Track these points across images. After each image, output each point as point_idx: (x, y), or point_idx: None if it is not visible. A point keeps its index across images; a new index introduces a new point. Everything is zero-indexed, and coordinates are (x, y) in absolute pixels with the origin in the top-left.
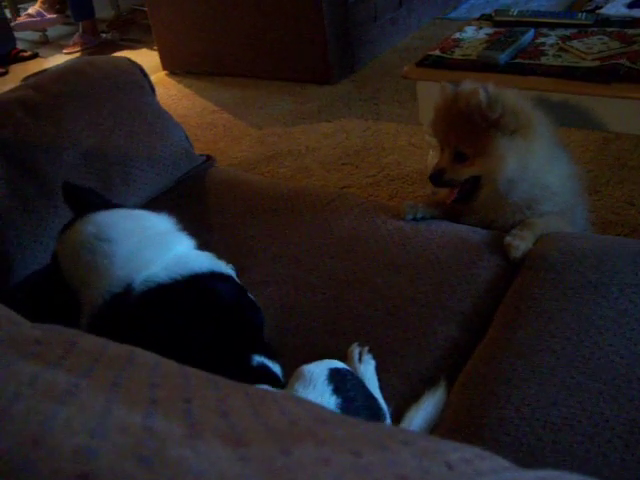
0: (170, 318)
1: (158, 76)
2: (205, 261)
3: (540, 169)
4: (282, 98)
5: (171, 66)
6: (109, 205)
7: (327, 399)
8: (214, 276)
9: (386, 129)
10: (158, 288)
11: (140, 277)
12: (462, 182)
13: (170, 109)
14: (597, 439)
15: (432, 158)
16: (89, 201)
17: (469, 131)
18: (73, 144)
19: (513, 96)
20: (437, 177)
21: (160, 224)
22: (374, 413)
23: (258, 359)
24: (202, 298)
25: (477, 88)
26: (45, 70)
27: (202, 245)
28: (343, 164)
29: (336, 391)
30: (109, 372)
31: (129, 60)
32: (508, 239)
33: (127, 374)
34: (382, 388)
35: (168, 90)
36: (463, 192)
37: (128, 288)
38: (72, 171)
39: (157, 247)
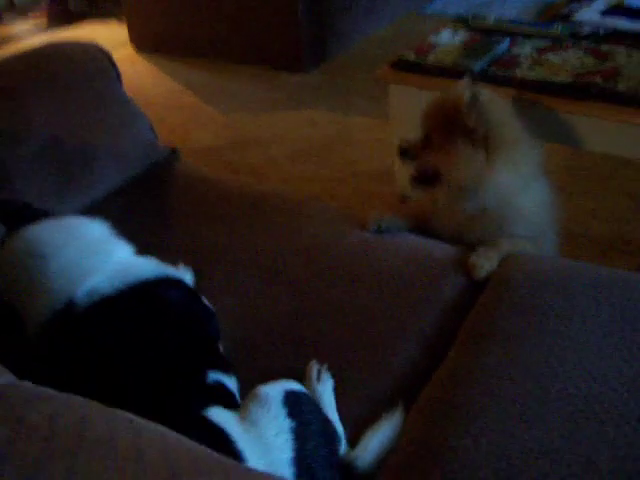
0: (118, 334)
1: (126, 51)
2: (150, 267)
3: (509, 190)
4: (251, 84)
5: (140, 42)
6: (43, 216)
7: (281, 422)
8: (163, 282)
9: (354, 123)
10: (103, 301)
11: (82, 290)
12: (422, 164)
13: (136, 88)
14: (552, 475)
15: (400, 162)
16: (23, 216)
17: (443, 124)
18: (34, 133)
19: (502, 112)
20: (403, 149)
21: (94, 231)
22: (329, 438)
23: (213, 376)
24: (151, 309)
25: (466, 90)
26: (9, 37)
27: (160, 246)
28: (309, 156)
29: (291, 415)
30: (61, 464)
31: (97, 46)
32: (473, 258)
33: (79, 466)
34: (339, 409)
35: (135, 67)
36: (422, 174)
37: (70, 303)
38: (31, 161)
39: (94, 256)
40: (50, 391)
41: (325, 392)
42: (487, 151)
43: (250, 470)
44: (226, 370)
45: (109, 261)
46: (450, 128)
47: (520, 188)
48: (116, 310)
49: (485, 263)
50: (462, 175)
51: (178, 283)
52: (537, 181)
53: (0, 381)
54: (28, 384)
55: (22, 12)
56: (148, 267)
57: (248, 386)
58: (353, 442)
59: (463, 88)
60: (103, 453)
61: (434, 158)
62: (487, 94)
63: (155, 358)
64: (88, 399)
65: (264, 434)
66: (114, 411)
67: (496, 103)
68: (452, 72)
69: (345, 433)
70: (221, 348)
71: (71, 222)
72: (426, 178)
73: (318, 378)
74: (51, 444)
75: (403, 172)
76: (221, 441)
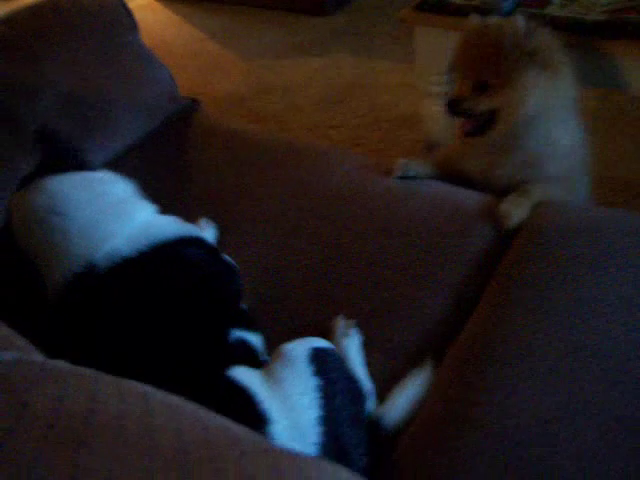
0: (139, 296)
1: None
2: (171, 227)
3: (557, 121)
4: (273, 29)
5: None
6: (77, 161)
7: (307, 380)
8: (183, 242)
9: (380, 67)
10: (123, 263)
11: (102, 252)
12: (478, 114)
13: (157, 36)
14: (585, 435)
15: (426, 106)
16: (58, 155)
17: (496, 59)
18: (50, 86)
19: (549, 32)
20: (454, 105)
21: (117, 190)
22: (355, 396)
23: (236, 334)
24: (171, 269)
25: (516, 17)
26: None
27: (182, 198)
28: (333, 102)
29: (317, 373)
30: (64, 455)
31: None
32: (503, 206)
33: (83, 457)
34: (367, 364)
35: (156, 15)
36: (477, 125)
37: (90, 266)
38: (49, 115)
39: (116, 218)
40: (61, 367)
41: (352, 348)
42: (550, 73)
43: (268, 450)
44: (249, 327)
45: (131, 223)
46: (505, 60)
47: (559, 120)
48: (136, 271)
49: (516, 211)
50: (533, 103)
51: (199, 242)
52: (573, 116)
53: (7, 357)
54: (38, 359)
55: None
56: (168, 227)
57: (273, 342)
58: (382, 397)
59: (505, 20)
60: (111, 441)
61: (493, 100)
62: (527, 18)
63: (176, 318)
64: (100, 373)
65: (289, 393)
66: (127, 387)
67: (540, 26)
68: (480, 11)
69: (374, 388)
70: (244, 306)
71: (94, 178)
72: (480, 126)
73: (345, 333)
74: (55, 432)
75: (431, 117)
76: (245, 401)
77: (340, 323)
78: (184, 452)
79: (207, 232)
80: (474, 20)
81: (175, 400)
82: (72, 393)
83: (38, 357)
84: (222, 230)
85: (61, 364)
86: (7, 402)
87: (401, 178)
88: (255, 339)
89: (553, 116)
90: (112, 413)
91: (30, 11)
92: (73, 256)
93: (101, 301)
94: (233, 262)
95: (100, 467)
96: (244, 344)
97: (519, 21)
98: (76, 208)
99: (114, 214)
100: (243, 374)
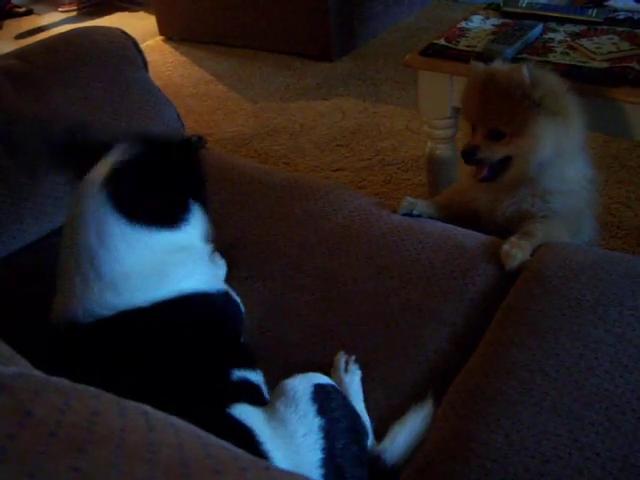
0: (137, 336)
1: (155, 41)
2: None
3: (568, 159)
4: (280, 72)
5: (168, 32)
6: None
7: (310, 420)
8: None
9: (384, 111)
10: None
11: (112, 310)
12: (494, 162)
13: (165, 77)
14: (586, 474)
15: (430, 149)
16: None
17: (508, 109)
18: (59, 119)
19: (553, 77)
20: (470, 154)
21: (174, 254)
22: (359, 434)
23: (238, 373)
24: (176, 312)
25: (520, 66)
26: (39, 28)
27: None
28: (338, 145)
29: (320, 412)
30: (65, 461)
31: (122, 32)
32: (506, 247)
33: (85, 464)
34: (366, 400)
35: (164, 57)
36: (492, 171)
37: (96, 317)
38: (59, 149)
39: (148, 289)
40: (64, 382)
41: (353, 383)
42: (561, 117)
43: (269, 468)
44: (249, 364)
45: (162, 291)
46: (516, 109)
47: (570, 159)
48: (135, 316)
49: (518, 252)
50: (547, 148)
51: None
52: (582, 153)
53: (10, 370)
54: (40, 374)
55: (52, 3)
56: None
57: (274, 376)
58: (380, 435)
59: (511, 65)
60: (112, 450)
61: (508, 148)
62: (531, 64)
63: (177, 361)
64: (101, 391)
65: (293, 434)
66: (129, 404)
67: (544, 71)
68: (484, 58)
69: (372, 425)
70: (242, 338)
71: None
72: (494, 172)
73: (346, 369)
74: (57, 439)
75: (434, 161)
76: (247, 441)
77: (341, 359)
78: (185, 464)
79: (220, 266)
80: (478, 67)
81: (175, 420)
82: (74, 405)
83: (40, 374)
84: (228, 264)
85: (63, 380)
86: (10, 409)
87: (405, 215)
88: (256, 377)
89: (565, 156)
90: (113, 426)
91: (43, 45)
92: (83, 303)
93: (101, 339)
94: (239, 301)
95: (100, 473)
96: (246, 382)
97: (524, 71)
98: (120, 257)
99: (153, 281)
100: (245, 412)
